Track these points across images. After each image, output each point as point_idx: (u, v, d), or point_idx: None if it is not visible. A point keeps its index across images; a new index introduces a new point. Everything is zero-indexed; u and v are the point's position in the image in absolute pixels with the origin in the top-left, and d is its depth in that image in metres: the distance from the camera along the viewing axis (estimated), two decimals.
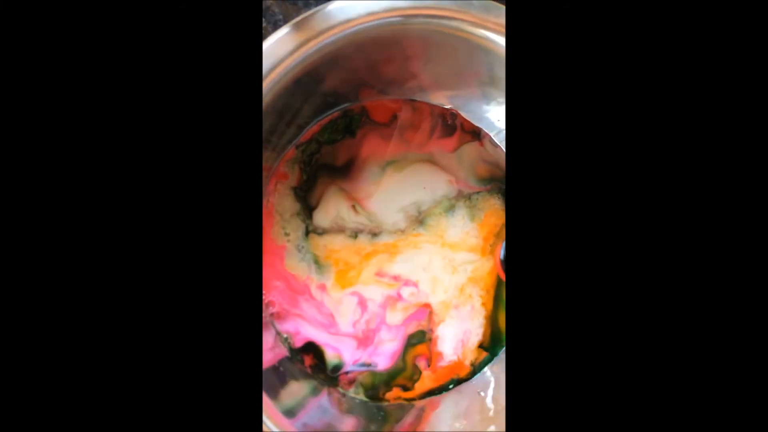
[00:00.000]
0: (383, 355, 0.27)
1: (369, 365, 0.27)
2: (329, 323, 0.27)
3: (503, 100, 0.26)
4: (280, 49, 0.20)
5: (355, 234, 0.27)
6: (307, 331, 0.27)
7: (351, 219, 0.27)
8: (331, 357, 0.27)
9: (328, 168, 0.28)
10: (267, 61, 0.19)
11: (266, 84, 0.19)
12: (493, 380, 0.28)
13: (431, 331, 0.28)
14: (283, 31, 0.20)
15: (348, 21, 0.20)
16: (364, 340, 0.27)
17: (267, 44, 0.20)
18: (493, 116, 0.27)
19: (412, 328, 0.27)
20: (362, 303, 0.27)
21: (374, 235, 0.27)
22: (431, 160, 0.28)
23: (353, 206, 0.27)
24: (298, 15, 0.29)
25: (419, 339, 0.28)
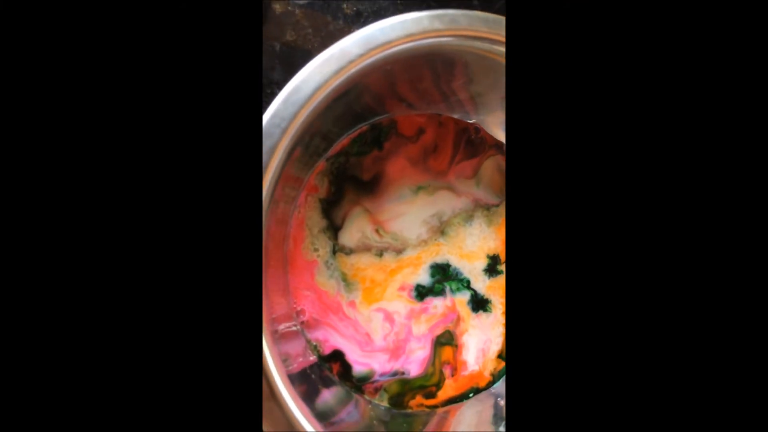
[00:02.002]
0: (415, 363, 0.28)
1: (402, 373, 0.28)
2: (365, 341, 0.28)
3: None
4: (324, 70, 0.20)
5: (380, 252, 0.28)
6: (335, 339, 0.27)
7: (375, 240, 0.28)
8: (360, 370, 0.28)
9: (354, 181, 0.28)
10: (311, 83, 0.20)
11: (310, 104, 0.20)
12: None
13: (457, 337, 0.28)
14: (326, 53, 0.20)
15: (388, 43, 0.21)
16: (396, 350, 0.28)
17: (311, 67, 0.20)
18: None
19: (439, 330, 0.28)
20: (389, 317, 0.28)
21: (399, 252, 0.28)
22: (451, 188, 0.29)
23: (377, 230, 0.28)
24: (326, 26, 0.30)
25: (447, 340, 0.28)
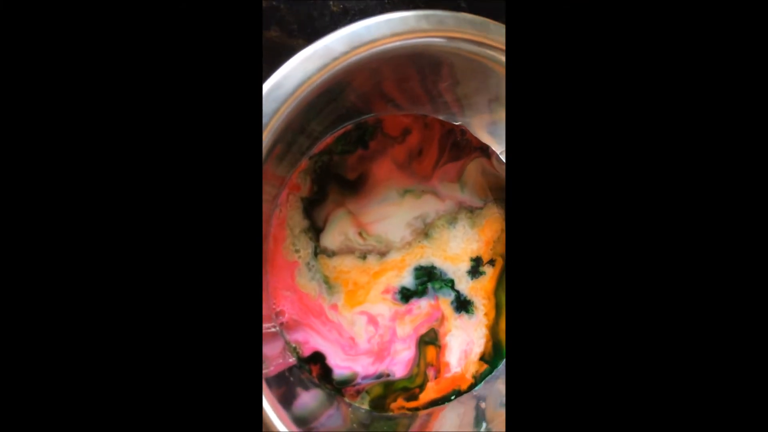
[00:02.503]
0: (400, 364, 0.28)
1: (388, 375, 0.28)
2: (349, 345, 0.27)
3: None
4: (307, 67, 0.20)
5: (364, 255, 0.28)
6: (316, 341, 0.27)
7: (359, 242, 0.28)
8: (342, 373, 0.27)
9: (339, 180, 0.28)
10: (293, 79, 0.20)
11: (291, 101, 0.20)
12: (492, 391, 0.29)
13: (441, 336, 0.28)
14: (310, 50, 0.20)
15: (373, 41, 0.21)
16: (380, 353, 0.28)
17: (294, 63, 0.20)
18: (502, 134, 0.28)
19: (423, 329, 0.28)
20: (372, 320, 0.28)
21: (382, 255, 0.28)
22: (434, 193, 0.28)
23: (360, 233, 0.28)
24: (312, 23, 0.30)
25: (431, 339, 0.28)
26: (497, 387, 0.28)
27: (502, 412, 0.27)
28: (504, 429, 0.25)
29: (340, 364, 0.27)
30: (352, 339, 0.27)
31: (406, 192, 0.28)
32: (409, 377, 0.28)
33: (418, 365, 0.28)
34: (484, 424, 0.27)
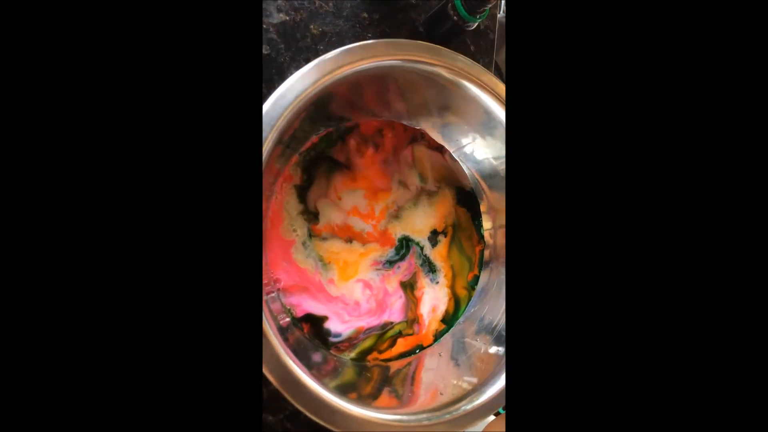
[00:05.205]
0: (396, 312, 0.34)
1: (391, 323, 0.34)
2: (353, 308, 0.33)
3: (460, 124, 0.34)
4: (303, 81, 0.26)
5: (350, 240, 0.34)
6: (307, 304, 0.33)
7: (345, 229, 0.34)
8: (345, 332, 0.33)
9: (327, 160, 0.34)
10: (292, 92, 0.25)
11: (288, 111, 0.25)
12: (450, 344, 0.35)
13: (417, 288, 0.35)
14: (302, 71, 0.26)
15: (350, 63, 0.27)
16: (379, 307, 0.34)
17: (292, 80, 0.26)
18: (453, 137, 0.35)
19: (405, 279, 0.35)
20: (367, 285, 0.34)
21: (364, 242, 0.34)
22: (404, 184, 0.36)
23: (345, 222, 0.34)
24: (296, 44, 0.36)
25: (411, 282, 0.35)
26: (450, 341, 0.35)
27: (455, 363, 0.33)
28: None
29: (342, 326, 0.32)
30: (357, 303, 0.33)
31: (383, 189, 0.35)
32: (406, 320, 0.34)
33: (411, 309, 0.34)
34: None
